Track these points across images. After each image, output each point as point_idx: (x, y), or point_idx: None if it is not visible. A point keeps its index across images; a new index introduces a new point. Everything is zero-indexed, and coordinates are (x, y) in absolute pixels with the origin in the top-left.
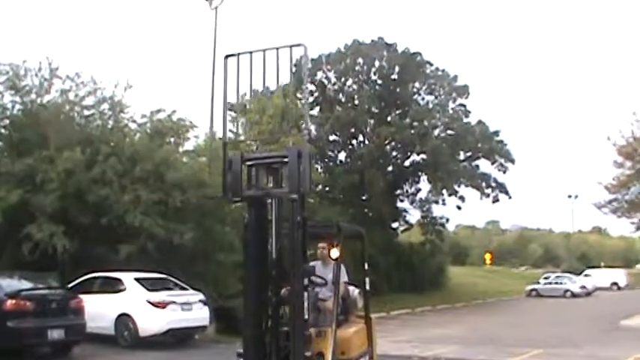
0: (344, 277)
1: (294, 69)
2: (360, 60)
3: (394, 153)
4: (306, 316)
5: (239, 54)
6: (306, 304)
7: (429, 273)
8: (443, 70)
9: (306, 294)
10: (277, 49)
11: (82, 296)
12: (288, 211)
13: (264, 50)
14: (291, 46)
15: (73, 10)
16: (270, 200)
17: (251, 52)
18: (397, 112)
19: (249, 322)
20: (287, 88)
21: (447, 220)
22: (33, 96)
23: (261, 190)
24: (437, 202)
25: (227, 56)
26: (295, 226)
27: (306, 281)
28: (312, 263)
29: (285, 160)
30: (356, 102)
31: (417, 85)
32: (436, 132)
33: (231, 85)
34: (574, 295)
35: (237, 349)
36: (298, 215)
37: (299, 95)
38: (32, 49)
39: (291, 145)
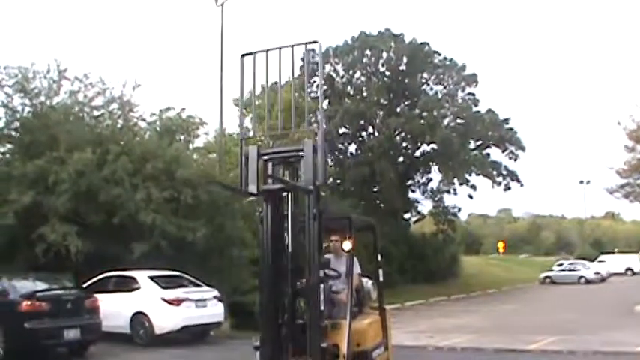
0: (357, 269)
1: (301, 63)
2: (368, 52)
3: (404, 144)
4: (322, 308)
5: (255, 53)
6: (322, 296)
7: (443, 263)
8: (451, 60)
9: (322, 286)
10: (293, 46)
11: (96, 295)
12: (303, 204)
13: (279, 48)
14: (306, 44)
15: (79, 11)
16: (285, 194)
17: (267, 51)
18: (406, 102)
19: (265, 315)
20: (297, 82)
21: (459, 209)
22: (42, 98)
23: (278, 184)
24: (448, 192)
25: (243, 55)
26: (311, 219)
27: (322, 273)
28: (324, 256)
29: (301, 154)
30: (365, 94)
31: (425, 75)
32: (446, 122)
33: (238, 82)
34: (588, 282)
35: (253, 342)
36: (314, 208)
37: (308, 89)
38: (40, 52)
39: (305, 140)
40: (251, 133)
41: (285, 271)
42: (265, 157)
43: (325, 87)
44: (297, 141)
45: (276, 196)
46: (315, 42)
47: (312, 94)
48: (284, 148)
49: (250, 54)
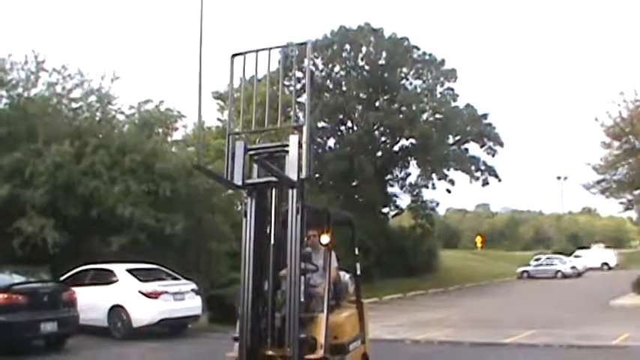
0: (334, 263)
1: (285, 58)
2: (347, 46)
3: (383, 138)
4: (302, 299)
5: (245, 53)
6: (302, 288)
7: (421, 257)
8: (430, 55)
9: (302, 277)
10: (283, 47)
11: (74, 289)
12: (287, 198)
13: (269, 49)
14: (297, 45)
15: (57, 2)
16: (270, 188)
17: (257, 51)
18: (385, 97)
19: (245, 307)
20: (279, 78)
21: (437, 204)
22: (20, 90)
23: (264, 177)
24: (427, 187)
25: (234, 55)
26: (294, 212)
27: (303, 265)
28: (305, 250)
29: (287, 149)
30: (344, 88)
31: (404, 69)
32: (424, 116)
33: (218, 75)
34: (565, 276)
35: (233, 334)
36: (298, 201)
37: (286, 82)
38: (18, 43)
39: (291, 135)
40: (237, 129)
41: (267, 264)
42: (251, 152)
43: (304, 81)
44: (274, 135)
45: (260, 189)
46: (304, 43)
47: (292, 89)
48: (270, 143)
49: (241, 54)
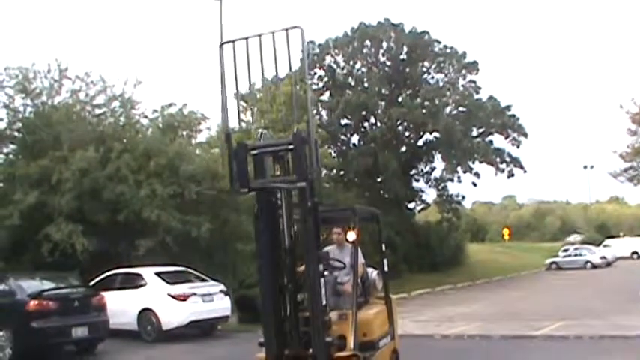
0: (360, 259)
1: (301, 55)
2: (368, 42)
3: (407, 133)
4: (324, 302)
5: (234, 41)
6: (323, 290)
7: (448, 251)
8: (451, 48)
9: (322, 279)
10: (273, 33)
11: (103, 293)
12: (298, 196)
13: (259, 35)
14: (287, 29)
15: (79, 10)
16: (279, 188)
17: (247, 39)
18: (408, 92)
19: (267, 310)
20: (296, 75)
21: (463, 197)
22: (44, 98)
23: (268, 179)
24: (452, 180)
25: (222, 44)
26: (307, 212)
27: (321, 266)
28: (326, 248)
29: (291, 147)
30: (366, 84)
31: (426, 64)
32: (447, 110)
33: (242, 74)
34: (594, 266)
35: (259, 339)
36: (309, 201)
37: (308, 81)
38: (41, 51)
39: (294, 132)
40: (253, 127)
41: (284, 265)
42: (254, 152)
43: (326, 78)
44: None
45: (268, 190)
46: (296, 27)
47: (313, 87)
48: (273, 141)
49: (229, 42)
